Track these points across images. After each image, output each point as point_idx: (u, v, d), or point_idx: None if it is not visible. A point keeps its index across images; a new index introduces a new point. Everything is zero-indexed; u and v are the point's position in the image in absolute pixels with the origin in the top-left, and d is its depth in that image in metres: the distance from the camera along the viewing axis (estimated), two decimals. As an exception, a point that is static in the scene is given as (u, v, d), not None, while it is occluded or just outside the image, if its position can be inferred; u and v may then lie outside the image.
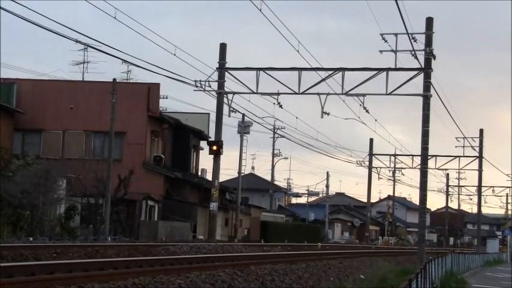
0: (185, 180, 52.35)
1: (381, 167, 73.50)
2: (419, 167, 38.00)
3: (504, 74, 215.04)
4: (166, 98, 64.41)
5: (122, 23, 26.27)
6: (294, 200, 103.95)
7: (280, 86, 37.08)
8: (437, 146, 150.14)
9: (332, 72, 36.22)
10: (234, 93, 38.22)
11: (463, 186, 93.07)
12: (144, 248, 22.95)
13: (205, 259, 21.09)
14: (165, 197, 49.89)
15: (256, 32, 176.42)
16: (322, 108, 36.52)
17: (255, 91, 37.04)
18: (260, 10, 29.17)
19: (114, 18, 25.14)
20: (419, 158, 38.04)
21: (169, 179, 50.65)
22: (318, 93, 36.64)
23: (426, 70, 34.68)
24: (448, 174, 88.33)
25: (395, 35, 34.16)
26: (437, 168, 67.79)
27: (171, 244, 25.48)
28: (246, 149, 61.72)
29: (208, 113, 58.00)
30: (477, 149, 65.49)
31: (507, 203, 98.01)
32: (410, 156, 66.76)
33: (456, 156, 65.42)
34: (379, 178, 76.19)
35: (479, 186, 71.07)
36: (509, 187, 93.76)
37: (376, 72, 35.59)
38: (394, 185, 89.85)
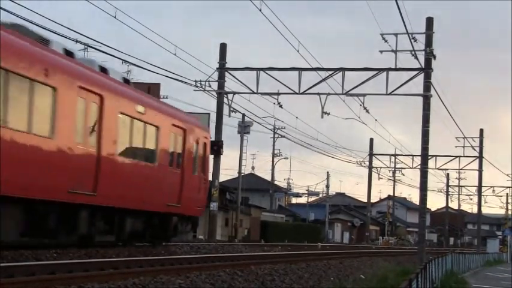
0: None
1: (381, 167, 73.61)
2: (419, 167, 38.01)
3: (504, 74, 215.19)
4: (167, 98, 64.31)
5: (122, 22, 26.34)
6: (294, 200, 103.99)
7: (280, 86, 37.15)
8: (437, 146, 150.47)
9: (332, 72, 36.23)
10: (234, 93, 38.25)
11: (463, 186, 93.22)
12: (144, 248, 22.94)
13: (205, 259, 21.08)
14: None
15: (256, 32, 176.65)
16: (322, 108, 36.56)
17: (255, 91, 37.07)
18: (260, 10, 29.22)
19: (114, 17, 25.19)
20: (419, 158, 38.07)
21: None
22: (318, 93, 36.66)
23: (426, 70, 34.70)
24: (448, 174, 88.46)
25: (395, 35, 34.20)
26: (438, 168, 67.91)
27: (171, 244, 25.46)
28: (246, 149, 61.70)
29: (209, 113, 57.91)
30: (477, 149, 65.58)
31: (507, 203, 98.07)
32: (410, 156, 66.88)
33: (456, 156, 65.49)
34: (379, 178, 76.34)
35: (479, 186, 71.12)
36: (509, 187, 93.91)
37: (376, 72, 35.61)
38: (394, 185, 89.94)
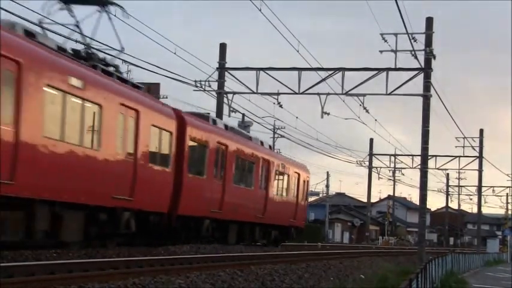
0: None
1: (381, 167, 73.65)
2: (419, 167, 38.02)
3: (504, 74, 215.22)
4: (166, 98, 64.33)
5: (122, 21, 26.26)
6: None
7: (280, 86, 37.16)
8: (437, 146, 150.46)
9: (332, 72, 36.24)
10: (234, 93, 38.25)
11: (463, 186, 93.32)
12: (144, 248, 22.95)
13: (205, 259, 21.08)
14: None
15: (256, 32, 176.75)
16: (322, 108, 36.57)
17: (255, 91, 37.07)
18: (260, 10, 29.20)
19: (114, 16, 25.13)
20: (419, 158, 38.10)
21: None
22: (318, 93, 36.66)
23: (426, 70, 34.71)
24: (448, 174, 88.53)
25: (395, 35, 34.22)
26: (437, 168, 67.97)
27: (171, 244, 25.46)
28: (246, 149, 61.52)
29: (208, 113, 57.95)
30: (477, 149, 65.63)
31: (507, 203, 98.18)
32: (410, 156, 66.94)
33: (456, 156, 65.55)
34: (379, 178, 76.38)
35: (479, 186, 71.17)
36: (509, 187, 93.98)
37: (376, 72, 35.61)
38: (394, 185, 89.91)
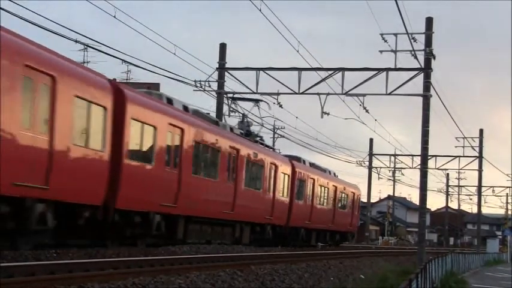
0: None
1: (381, 167, 73.60)
2: (419, 167, 38.02)
3: (504, 74, 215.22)
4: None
5: (121, 22, 26.31)
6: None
7: (280, 86, 37.15)
8: (437, 146, 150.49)
9: (332, 72, 36.22)
10: (234, 93, 38.23)
11: (463, 186, 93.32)
12: (144, 248, 22.95)
13: (205, 259, 21.08)
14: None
15: (256, 32, 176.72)
16: (322, 108, 36.55)
17: (255, 91, 37.06)
18: (260, 10, 29.19)
19: (114, 17, 25.17)
20: (419, 158, 38.06)
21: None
22: (318, 93, 36.65)
23: (426, 70, 34.70)
24: (448, 174, 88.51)
25: (395, 35, 34.20)
26: (437, 168, 67.95)
27: (171, 244, 25.45)
28: (246, 149, 61.50)
29: (208, 113, 57.97)
30: (477, 149, 65.61)
31: (507, 203, 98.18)
32: (410, 156, 66.92)
33: (456, 156, 65.52)
34: (379, 178, 76.33)
35: (479, 186, 71.16)
36: (509, 187, 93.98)
37: (376, 72, 35.60)
38: (394, 185, 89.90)
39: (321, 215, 45.30)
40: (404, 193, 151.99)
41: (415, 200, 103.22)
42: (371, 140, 73.48)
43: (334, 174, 51.91)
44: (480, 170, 68.31)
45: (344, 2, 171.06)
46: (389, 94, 35.70)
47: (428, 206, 69.76)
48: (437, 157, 64.74)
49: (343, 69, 36.15)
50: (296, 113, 62.52)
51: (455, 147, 65.51)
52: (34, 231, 18.27)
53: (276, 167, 36.73)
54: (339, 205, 49.97)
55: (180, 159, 25.40)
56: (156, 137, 23.39)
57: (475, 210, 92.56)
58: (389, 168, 74.46)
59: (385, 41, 34.13)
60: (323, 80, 36.27)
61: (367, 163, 72.97)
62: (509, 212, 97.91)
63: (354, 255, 37.69)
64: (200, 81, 37.11)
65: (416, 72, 35.02)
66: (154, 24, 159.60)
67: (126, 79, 57.84)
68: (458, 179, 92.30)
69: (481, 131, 66.86)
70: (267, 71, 36.80)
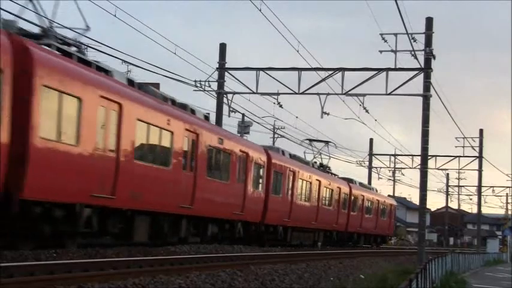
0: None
1: (381, 167, 73.57)
2: (419, 167, 38.02)
3: (504, 74, 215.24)
4: (166, 98, 64.48)
5: (122, 21, 26.33)
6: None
7: (280, 86, 37.18)
8: (437, 146, 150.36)
9: (332, 72, 36.24)
10: (234, 93, 38.24)
11: (463, 186, 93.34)
12: (144, 248, 22.93)
13: (205, 259, 21.07)
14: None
15: (256, 32, 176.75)
16: (322, 108, 36.59)
17: (255, 91, 37.07)
18: (260, 10, 29.22)
19: (115, 16, 25.16)
20: (419, 158, 38.07)
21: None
22: (318, 93, 36.67)
23: (426, 70, 34.71)
24: (448, 174, 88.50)
25: (395, 35, 34.23)
26: (437, 168, 67.95)
27: (171, 244, 25.43)
28: (246, 149, 61.44)
29: (208, 113, 57.99)
30: (477, 149, 65.64)
31: (507, 203, 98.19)
32: (410, 156, 66.92)
33: (456, 156, 65.53)
34: (379, 178, 76.28)
35: (479, 186, 71.21)
36: (509, 187, 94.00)
37: (376, 72, 35.61)
38: (394, 185, 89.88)
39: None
40: (404, 193, 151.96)
41: (415, 200, 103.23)
42: (371, 140, 73.51)
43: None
44: (480, 170, 68.34)
45: (344, 2, 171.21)
46: (389, 94, 35.71)
47: (428, 206, 69.83)
48: (437, 157, 64.77)
49: (343, 69, 36.17)
50: (296, 113, 62.62)
51: (455, 147, 65.60)
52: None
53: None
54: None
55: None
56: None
57: (475, 210, 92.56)
58: (390, 168, 74.47)
59: (385, 41, 34.17)
60: (323, 80, 36.29)
61: (367, 163, 72.96)
62: (509, 212, 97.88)
63: (353, 255, 37.68)
64: (200, 81, 37.15)
65: (416, 72, 35.03)
66: (155, 24, 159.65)
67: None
68: (458, 179, 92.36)
69: (481, 131, 66.91)
70: (267, 71, 36.82)
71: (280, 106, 38.38)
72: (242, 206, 31.76)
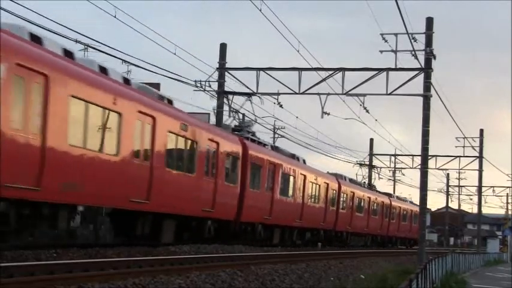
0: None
1: (381, 167, 73.54)
2: (419, 167, 38.00)
3: (504, 74, 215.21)
4: (167, 98, 64.46)
5: (122, 22, 26.34)
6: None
7: (280, 86, 37.14)
8: (437, 146, 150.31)
9: (332, 72, 36.22)
10: (234, 93, 38.22)
11: (463, 186, 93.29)
12: (144, 248, 22.94)
13: (205, 259, 21.08)
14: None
15: (256, 32, 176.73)
16: (322, 108, 36.55)
17: (255, 91, 37.06)
18: (260, 10, 29.18)
19: (114, 17, 25.17)
20: (419, 158, 38.05)
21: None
22: (318, 93, 36.65)
23: (426, 70, 34.70)
24: (448, 174, 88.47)
25: (395, 35, 34.20)
26: (438, 168, 67.88)
27: (171, 244, 25.44)
28: (246, 149, 61.39)
29: (208, 113, 57.98)
30: (477, 149, 65.60)
31: (507, 203, 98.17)
32: (411, 156, 66.83)
33: (456, 156, 65.47)
34: (379, 178, 76.22)
35: (480, 186, 71.18)
36: (510, 187, 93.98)
37: (376, 72, 35.60)
38: (394, 185, 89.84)
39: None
40: (404, 193, 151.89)
41: (415, 200, 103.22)
42: (371, 140, 73.47)
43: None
44: (480, 170, 68.32)
45: (344, 2, 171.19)
46: (390, 94, 35.69)
47: (428, 206, 69.75)
48: (438, 157, 64.70)
49: (343, 69, 36.15)
50: (296, 113, 62.46)
51: (456, 147, 65.54)
52: None
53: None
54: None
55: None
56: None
57: (475, 210, 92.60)
58: (390, 168, 74.42)
59: (386, 41, 34.14)
60: (323, 80, 36.27)
61: (367, 163, 72.88)
62: (510, 212, 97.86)
63: (353, 255, 37.69)
64: (200, 81, 37.11)
65: (416, 72, 35.01)
66: (155, 24, 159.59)
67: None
68: (459, 179, 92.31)
69: (481, 131, 66.89)
70: (267, 71, 36.80)
71: (281, 106, 38.37)
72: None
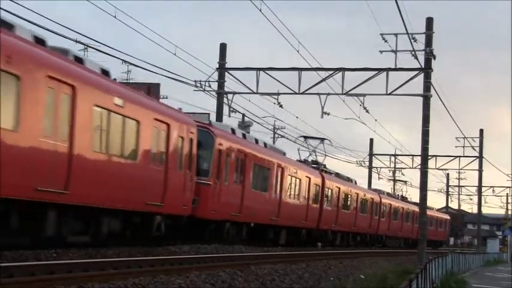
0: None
1: (381, 167, 73.56)
2: (419, 167, 38.02)
3: (504, 73, 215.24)
4: (166, 98, 64.41)
5: (122, 22, 26.33)
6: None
7: (280, 86, 37.16)
8: (437, 146, 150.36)
9: (332, 72, 36.25)
10: (234, 93, 38.24)
11: (463, 186, 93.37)
12: (144, 248, 22.94)
13: (205, 259, 21.07)
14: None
15: (256, 32, 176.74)
16: (322, 108, 36.58)
17: (255, 91, 37.08)
18: (260, 10, 29.22)
19: (114, 17, 25.18)
20: (419, 158, 38.09)
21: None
22: (318, 93, 36.67)
23: (426, 70, 34.72)
24: (448, 174, 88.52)
25: (396, 35, 34.23)
26: (438, 168, 67.95)
27: (171, 244, 25.44)
28: (246, 149, 61.42)
29: (208, 113, 57.97)
30: (477, 149, 65.65)
31: (507, 203, 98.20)
32: (411, 156, 66.90)
33: (456, 156, 65.52)
34: (379, 178, 76.28)
35: (480, 186, 71.24)
36: (509, 187, 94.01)
37: (376, 72, 35.62)
38: (394, 185, 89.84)
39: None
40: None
41: (415, 200, 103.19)
42: (371, 140, 73.47)
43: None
44: (480, 170, 68.36)
45: (344, 2, 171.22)
46: (390, 94, 35.71)
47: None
48: (438, 157, 64.78)
49: (343, 69, 36.17)
50: (296, 113, 62.50)
51: (456, 147, 65.59)
52: None
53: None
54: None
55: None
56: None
57: (475, 210, 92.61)
58: (390, 168, 74.47)
59: (385, 41, 34.17)
60: (323, 80, 36.29)
61: (367, 163, 72.94)
62: (510, 212, 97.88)
63: (354, 255, 37.69)
64: (200, 81, 37.13)
65: (416, 72, 35.04)
66: (155, 24, 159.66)
67: (126, 79, 57.90)
68: (459, 179, 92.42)
69: (481, 131, 66.93)
70: (267, 71, 36.82)
71: (281, 106, 38.39)
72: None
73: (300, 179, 39.71)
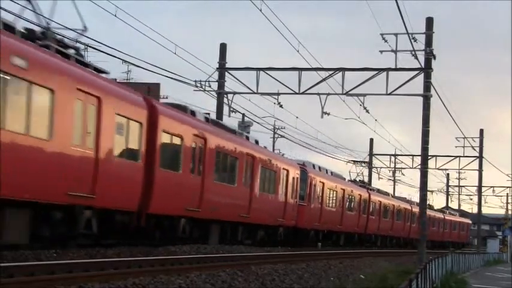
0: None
1: (381, 167, 73.55)
2: (419, 167, 38.03)
3: (504, 73, 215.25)
4: (167, 98, 64.40)
5: (122, 21, 26.34)
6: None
7: (280, 86, 37.17)
8: (437, 146, 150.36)
9: (332, 72, 36.25)
10: (234, 93, 38.25)
11: (463, 186, 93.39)
12: (144, 248, 22.93)
13: (205, 259, 21.08)
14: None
15: (256, 32, 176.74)
16: (322, 108, 36.59)
17: (255, 91, 37.08)
18: (260, 10, 29.22)
19: (115, 16, 25.18)
20: (419, 158, 38.09)
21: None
22: (318, 93, 36.69)
23: (426, 70, 34.73)
24: (448, 174, 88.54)
25: (396, 35, 34.24)
26: (438, 168, 67.97)
27: (171, 244, 25.43)
28: (246, 149, 61.39)
29: (208, 113, 57.96)
30: (477, 149, 65.66)
31: (507, 203, 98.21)
32: (411, 156, 66.89)
33: (456, 156, 65.53)
34: (379, 178, 76.28)
35: (480, 186, 71.23)
36: (509, 187, 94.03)
37: (376, 72, 35.62)
38: (394, 185, 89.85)
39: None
40: (404, 193, 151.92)
41: (415, 200, 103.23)
42: (371, 140, 73.44)
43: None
44: (480, 170, 68.36)
45: (344, 2, 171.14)
46: (390, 94, 35.72)
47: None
48: (438, 157, 64.78)
49: (343, 69, 36.18)
50: (296, 113, 62.51)
51: (456, 147, 65.58)
52: None
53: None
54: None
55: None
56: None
57: (475, 210, 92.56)
58: (390, 168, 74.46)
59: (386, 41, 34.18)
60: (323, 80, 36.30)
61: (363, 166, 72.85)
62: (510, 212, 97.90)
63: (354, 255, 37.68)
64: (200, 81, 37.12)
65: (416, 72, 35.05)
66: (155, 24, 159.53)
67: (126, 79, 57.90)
68: (459, 179, 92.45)
69: (481, 131, 66.94)
70: (267, 71, 36.83)
71: (281, 106, 38.40)
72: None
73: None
